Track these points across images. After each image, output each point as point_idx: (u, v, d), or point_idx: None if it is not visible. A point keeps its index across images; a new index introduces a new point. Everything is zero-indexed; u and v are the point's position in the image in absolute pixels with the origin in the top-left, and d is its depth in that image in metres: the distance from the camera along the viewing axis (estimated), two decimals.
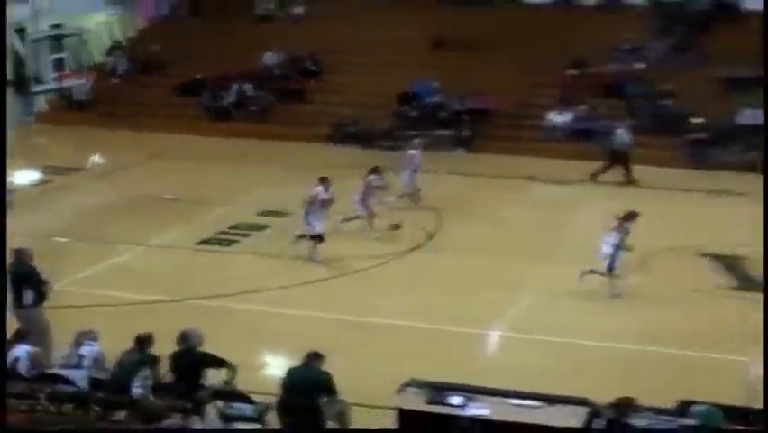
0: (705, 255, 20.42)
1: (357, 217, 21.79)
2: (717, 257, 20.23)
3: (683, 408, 11.01)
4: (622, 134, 27.73)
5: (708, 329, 16.52)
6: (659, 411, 11.15)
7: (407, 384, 12.00)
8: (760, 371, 13.36)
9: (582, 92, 32.11)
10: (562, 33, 34.53)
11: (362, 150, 29.78)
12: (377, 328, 16.67)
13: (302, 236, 20.09)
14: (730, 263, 19.88)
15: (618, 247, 17.99)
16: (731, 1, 35.35)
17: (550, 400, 11.67)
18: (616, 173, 26.82)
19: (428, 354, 15.26)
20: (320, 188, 19.97)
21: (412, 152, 24.55)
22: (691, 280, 18.89)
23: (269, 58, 35.47)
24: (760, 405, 11.55)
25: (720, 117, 29.74)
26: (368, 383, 12.98)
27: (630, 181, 26.94)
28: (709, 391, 12.38)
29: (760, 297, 17.79)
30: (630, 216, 18.29)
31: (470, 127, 31.00)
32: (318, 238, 19.89)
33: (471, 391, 11.81)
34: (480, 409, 11.44)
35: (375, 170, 22.06)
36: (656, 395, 11.66)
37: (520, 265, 19.69)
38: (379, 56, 34.45)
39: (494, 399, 11.68)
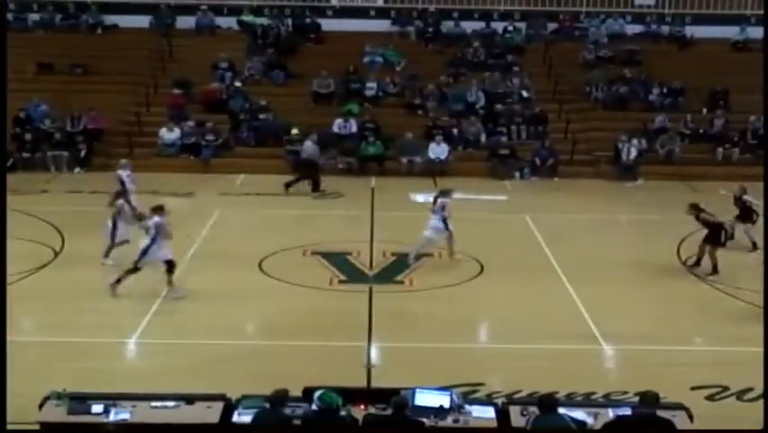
0: (315, 253, 21.23)
1: None
2: (325, 254, 21.10)
3: (308, 394, 11.28)
4: (309, 146, 28.41)
5: (322, 320, 17.14)
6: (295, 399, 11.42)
7: (48, 398, 11.67)
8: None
9: (189, 109, 32.66)
10: (165, 55, 35.16)
11: None
12: (14, 346, 16.11)
13: None
14: (337, 258, 20.78)
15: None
16: (314, 24, 37.12)
17: (188, 398, 11.72)
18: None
19: (66, 366, 14.84)
20: None
21: None
22: (305, 277, 19.52)
23: None
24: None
25: (314, 127, 31.13)
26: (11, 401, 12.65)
27: (318, 191, 27.42)
28: (332, 376, 13.06)
29: (366, 288, 18.94)
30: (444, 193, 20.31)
31: (85, 147, 30.57)
32: None
33: (112, 399, 11.64)
34: (121, 415, 11.32)
35: None
36: (286, 384, 11.90)
37: (150, 274, 19.61)
38: None
39: (135, 403, 11.59)
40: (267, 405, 11.01)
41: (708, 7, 37.34)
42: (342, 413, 10.85)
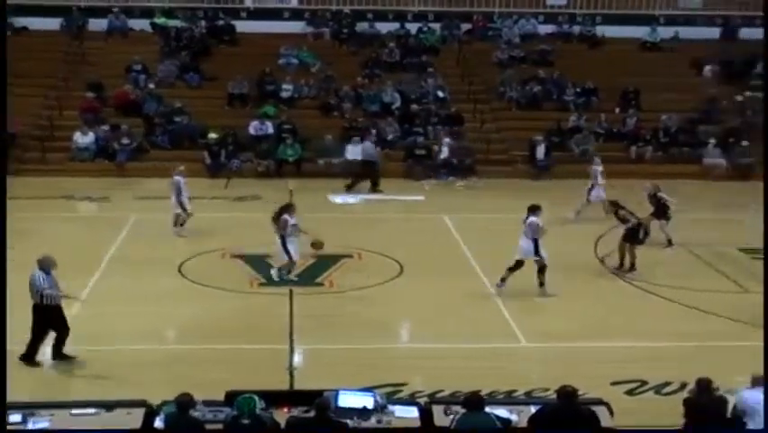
0: (235, 256, 21.09)
1: None
2: (244, 257, 21.00)
3: (230, 398, 11.21)
4: (368, 147, 29.06)
5: (244, 323, 17.09)
6: (209, 403, 11.32)
7: None
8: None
9: (103, 113, 32.17)
10: (77, 58, 34.62)
11: None
12: None
13: None
14: (257, 261, 20.65)
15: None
16: (228, 26, 36.86)
17: (108, 405, 11.58)
18: None
19: None
20: None
21: None
22: (225, 280, 19.44)
23: None
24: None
25: (230, 129, 30.98)
26: None
27: (377, 190, 28.27)
28: (255, 379, 13.08)
29: (287, 290, 18.89)
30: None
31: None
32: None
33: (31, 408, 11.46)
34: (40, 424, 11.14)
35: None
36: (209, 388, 11.95)
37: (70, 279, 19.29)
38: None
39: (53, 411, 11.42)
40: (176, 410, 10.92)
41: (617, 7, 37.88)
42: (263, 417, 10.77)
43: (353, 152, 30.19)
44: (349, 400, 11.62)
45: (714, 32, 37.89)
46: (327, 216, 23.80)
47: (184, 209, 22.70)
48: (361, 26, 37.31)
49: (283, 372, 14.88)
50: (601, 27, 37.71)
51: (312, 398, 11.14)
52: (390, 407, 11.89)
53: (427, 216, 25.08)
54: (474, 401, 11.16)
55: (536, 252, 18.79)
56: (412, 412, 11.85)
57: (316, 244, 19.81)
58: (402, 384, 14.40)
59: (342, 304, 18.38)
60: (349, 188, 28.39)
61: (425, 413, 11.78)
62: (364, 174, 28.78)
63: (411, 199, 27.41)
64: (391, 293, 18.98)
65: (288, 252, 19.23)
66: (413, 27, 37.38)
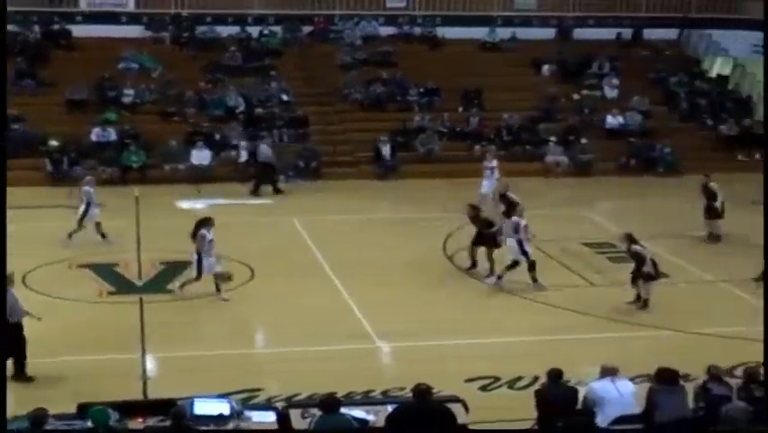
0: (82, 266, 20.62)
1: None
2: (91, 266, 20.54)
3: (82, 410, 11.02)
4: (265, 150, 28.95)
5: (94, 334, 16.70)
6: (61, 417, 11.02)
7: None
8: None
9: None
10: None
11: None
12: None
13: None
14: (105, 270, 20.32)
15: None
16: (64, 30, 35.97)
17: None
18: None
19: None
20: None
21: None
22: (73, 290, 19.04)
23: None
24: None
25: (71, 136, 30.29)
26: None
27: (277, 192, 28.28)
28: (108, 390, 12.78)
29: (137, 298, 18.57)
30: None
31: None
32: None
33: None
34: None
35: None
36: (60, 401, 11.67)
37: None
38: None
39: None
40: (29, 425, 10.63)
41: (456, 9, 38.42)
42: (117, 428, 10.62)
43: (198, 156, 29.90)
44: (205, 407, 11.44)
45: (550, 33, 38.83)
46: (176, 223, 23.37)
47: (80, 222, 22.22)
48: (201, 30, 36.85)
49: (136, 381, 14.65)
50: (441, 28, 38.12)
51: (167, 407, 10.99)
52: (247, 412, 11.79)
53: (276, 219, 25.01)
54: (330, 403, 11.18)
55: (522, 251, 19.39)
56: (269, 417, 11.79)
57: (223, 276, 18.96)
58: (258, 389, 14.36)
59: (194, 310, 18.17)
60: (254, 193, 28.33)
61: (283, 417, 11.73)
62: (264, 177, 28.70)
63: (260, 203, 27.30)
64: (243, 298, 18.85)
65: (200, 269, 18.50)
66: (254, 30, 37.11)
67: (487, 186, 26.56)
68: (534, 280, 19.62)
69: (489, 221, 20.59)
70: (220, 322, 17.50)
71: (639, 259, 18.49)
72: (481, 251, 20.56)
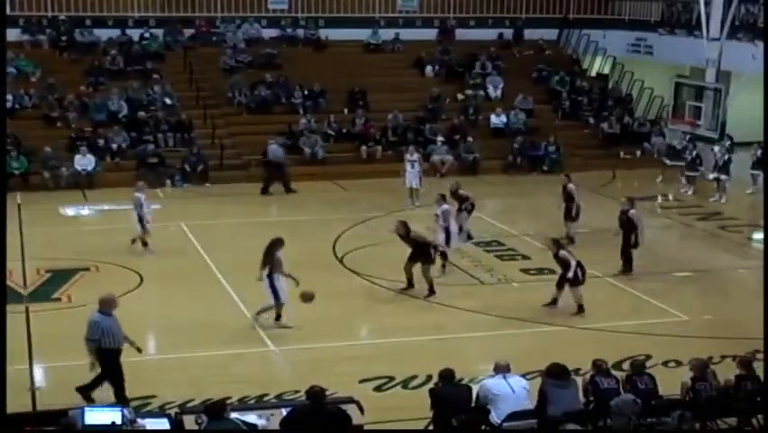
0: None
1: None
2: None
3: None
4: (274, 149, 29.38)
5: None
6: None
7: None
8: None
9: None
10: None
11: None
12: None
13: None
14: None
15: None
16: None
17: None
18: None
19: None
20: None
21: None
22: None
23: None
24: None
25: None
26: None
27: (289, 191, 28.86)
28: None
29: (22, 307, 18.09)
30: None
31: None
32: None
33: None
34: None
35: None
36: None
37: None
38: None
39: None
40: None
41: (338, 11, 38.48)
42: None
43: (82, 162, 29.42)
44: (96, 416, 11.28)
45: (432, 33, 39.19)
46: (60, 230, 23.07)
47: (143, 227, 22.02)
48: (81, 33, 36.19)
49: (25, 393, 14.30)
50: (324, 30, 38.15)
51: (57, 418, 10.89)
52: (140, 420, 11.72)
53: (164, 224, 24.67)
54: (215, 409, 11.21)
55: (447, 241, 20.14)
56: (162, 424, 11.74)
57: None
58: (151, 396, 14.21)
59: (82, 319, 17.64)
60: (264, 192, 28.70)
61: (176, 424, 11.70)
62: (274, 176, 28.97)
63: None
64: (133, 305, 18.39)
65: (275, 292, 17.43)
66: (135, 33, 36.60)
67: (410, 179, 27.14)
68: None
69: (419, 241, 19.53)
70: None
71: (565, 264, 18.53)
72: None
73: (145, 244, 22.24)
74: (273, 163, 29.62)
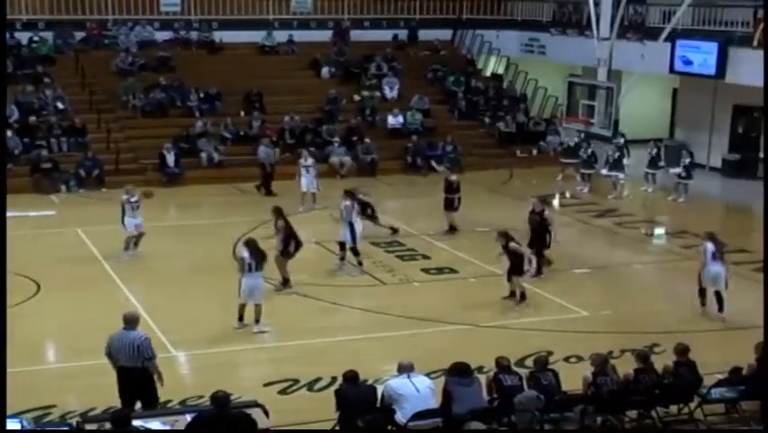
0: None
1: None
2: None
3: None
4: (263, 150, 29.62)
5: None
6: None
7: None
8: None
9: None
10: None
11: None
12: None
13: None
14: None
15: None
16: None
17: None
18: None
19: None
20: None
21: None
22: None
23: None
24: None
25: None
26: None
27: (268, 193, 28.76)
28: None
29: None
30: None
31: None
32: None
33: None
34: None
35: None
36: None
37: None
38: None
39: None
40: None
41: (232, 13, 38.27)
42: None
43: None
44: None
45: (327, 35, 39.22)
46: None
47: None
48: None
49: None
50: (218, 32, 37.88)
51: None
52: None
53: (60, 230, 24.34)
54: (119, 417, 11.16)
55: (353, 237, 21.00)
56: None
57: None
58: (51, 406, 14.02)
59: None
60: (263, 190, 29.11)
61: None
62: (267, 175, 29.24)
63: (41, 214, 26.52)
64: (30, 313, 18.22)
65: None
66: (23, 36, 35.84)
67: (305, 183, 27.19)
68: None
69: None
70: (6, 339, 16.87)
71: (518, 256, 18.83)
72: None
73: (136, 243, 22.20)
74: (265, 164, 29.65)
